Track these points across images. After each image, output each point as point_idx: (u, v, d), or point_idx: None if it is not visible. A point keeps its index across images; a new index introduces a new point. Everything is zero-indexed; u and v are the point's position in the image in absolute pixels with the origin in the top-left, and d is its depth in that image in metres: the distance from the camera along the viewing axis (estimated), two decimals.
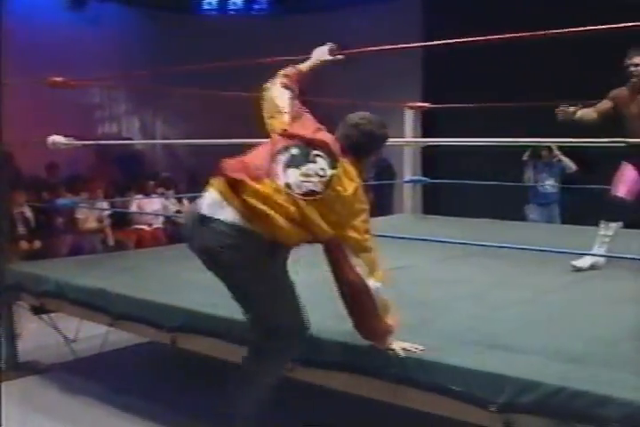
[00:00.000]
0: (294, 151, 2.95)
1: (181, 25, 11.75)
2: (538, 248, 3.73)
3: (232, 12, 12.88)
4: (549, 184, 8.48)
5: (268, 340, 3.02)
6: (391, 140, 3.26)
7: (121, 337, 5.08)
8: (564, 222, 8.30)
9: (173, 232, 9.30)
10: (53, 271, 4.82)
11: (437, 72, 10.11)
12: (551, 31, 3.20)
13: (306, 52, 3.77)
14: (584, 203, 7.79)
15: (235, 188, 2.85)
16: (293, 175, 2.88)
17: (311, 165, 2.91)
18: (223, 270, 2.96)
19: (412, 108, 7.36)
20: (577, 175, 8.38)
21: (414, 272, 4.76)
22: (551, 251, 3.86)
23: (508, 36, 3.38)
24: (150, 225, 9.49)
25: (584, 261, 4.72)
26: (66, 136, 5.36)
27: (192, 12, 12.64)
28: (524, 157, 8.71)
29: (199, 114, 11.62)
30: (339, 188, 2.89)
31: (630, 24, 2.95)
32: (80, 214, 8.85)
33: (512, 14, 7.68)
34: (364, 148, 3.05)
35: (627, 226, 5.04)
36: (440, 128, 9.75)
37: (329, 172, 2.91)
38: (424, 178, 7.85)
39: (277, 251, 2.95)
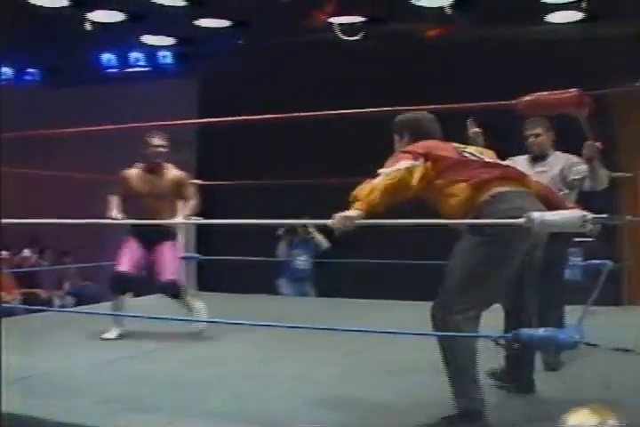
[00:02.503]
0: None
1: None
2: (305, 326, 3.84)
3: (2, 82, 12.43)
4: (303, 260, 8.87)
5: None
6: None
7: None
8: (318, 296, 8.76)
9: None
10: None
11: (213, 149, 10.26)
12: (303, 114, 3.41)
13: (77, 124, 3.75)
14: (335, 277, 8.36)
15: None
16: None
17: None
18: None
19: None
20: (330, 252, 8.82)
21: (183, 351, 4.76)
22: (316, 328, 4.00)
23: (277, 116, 3.54)
24: None
25: (111, 333, 5.14)
26: None
27: None
28: (280, 233, 9.02)
29: None
30: None
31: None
32: None
33: (285, 95, 7.97)
34: None
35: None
36: (217, 205, 9.82)
37: None
38: (196, 255, 7.89)
39: None
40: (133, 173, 5.39)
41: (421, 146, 3.26)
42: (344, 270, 8.07)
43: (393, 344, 4.66)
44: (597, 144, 3.93)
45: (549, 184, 3.98)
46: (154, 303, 6.08)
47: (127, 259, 5.26)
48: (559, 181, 4.31)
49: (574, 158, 4.34)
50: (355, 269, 7.61)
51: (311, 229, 8.82)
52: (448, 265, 3.16)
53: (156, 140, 5.30)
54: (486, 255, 3.07)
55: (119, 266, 5.25)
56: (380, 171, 3.13)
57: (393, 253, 6.92)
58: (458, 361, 3.08)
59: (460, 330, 3.02)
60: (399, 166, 3.11)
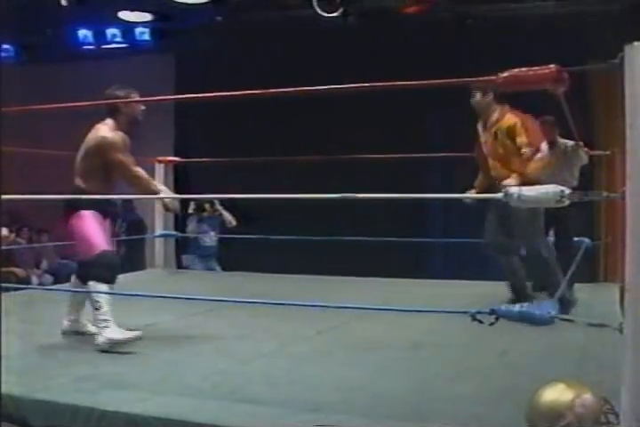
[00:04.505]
0: None
1: None
2: (282, 302, 3.83)
3: None
4: (210, 237, 9.00)
5: None
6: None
7: None
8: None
9: None
10: None
11: (189, 127, 10.19)
12: (280, 90, 3.37)
13: (53, 101, 3.72)
14: (240, 253, 8.48)
15: None
16: None
17: None
18: None
19: (161, 162, 7.35)
20: (236, 228, 8.85)
21: (161, 329, 4.74)
22: (295, 304, 3.99)
23: (255, 92, 3.50)
24: None
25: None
26: None
27: None
28: (190, 211, 9.03)
29: None
30: None
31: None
32: None
33: (262, 71, 7.93)
34: None
35: None
36: (193, 183, 9.80)
37: None
38: (174, 232, 7.87)
39: None
40: (121, 136, 4.43)
41: (540, 138, 4.85)
42: (248, 246, 8.11)
43: (369, 320, 4.70)
44: (581, 144, 5.23)
45: None
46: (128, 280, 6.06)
47: (103, 237, 4.32)
48: None
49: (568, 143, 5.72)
50: (259, 245, 7.63)
51: (218, 207, 8.86)
52: (513, 222, 4.87)
53: (137, 97, 4.46)
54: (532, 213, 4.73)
55: (101, 246, 4.24)
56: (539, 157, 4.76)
57: (300, 229, 6.97)
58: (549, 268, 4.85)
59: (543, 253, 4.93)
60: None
